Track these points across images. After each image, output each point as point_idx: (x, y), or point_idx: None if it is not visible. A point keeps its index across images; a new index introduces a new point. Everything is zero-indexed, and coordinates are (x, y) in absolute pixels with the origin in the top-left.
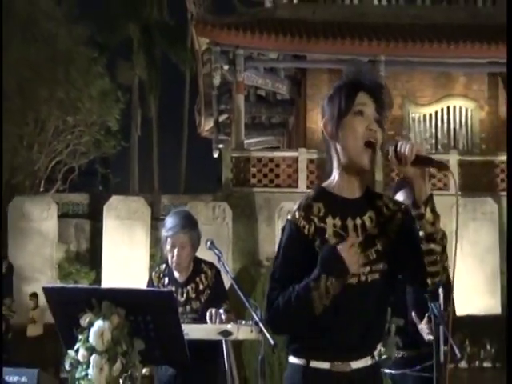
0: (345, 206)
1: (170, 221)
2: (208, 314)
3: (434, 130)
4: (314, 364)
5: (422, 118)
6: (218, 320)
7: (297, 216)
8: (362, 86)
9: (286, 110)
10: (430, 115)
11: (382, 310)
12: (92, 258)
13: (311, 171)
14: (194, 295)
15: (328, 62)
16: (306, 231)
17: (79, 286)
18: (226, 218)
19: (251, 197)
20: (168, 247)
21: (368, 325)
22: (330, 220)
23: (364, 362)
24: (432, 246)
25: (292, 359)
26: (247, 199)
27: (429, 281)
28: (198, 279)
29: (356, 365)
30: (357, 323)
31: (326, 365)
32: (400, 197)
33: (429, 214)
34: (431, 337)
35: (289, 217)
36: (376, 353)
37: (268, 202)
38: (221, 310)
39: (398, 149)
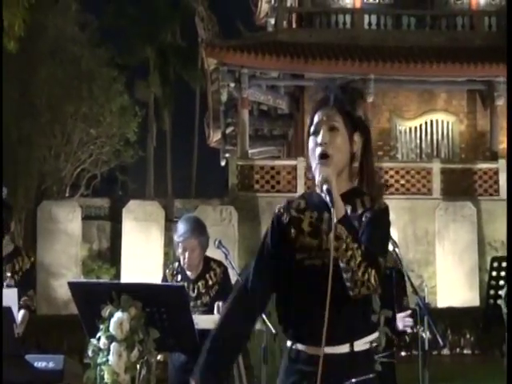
0: (324, 201)
1: (180, 227)
2: (216, 306)
3: (418, 141)
4: (297, 346)
5: (407, 130)
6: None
7: (280, 210)
8: (321, 104)
9: (286, 123)
10: (415, 128)
11: (355, 299)
12: (112, 255)
13: (308, 178)
14: (204, 290)
15: (323, 80)
16: (283, 220)
17: (101, 281)
18: (232, 220)
19: (255, 201)
20: (180, 250)
21: (340, 312)
22: (308, 213)
23: (340, 349)
24: (341, 264)
25: (287, 342)
26: (251, 203)
27: (350, 293)
28: (207, 276)
29: (330, 350)
30: (323, 308)
31: (303, 347)
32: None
33: (329, 240)
34: (407, 329)
35: (276, 210)
36: (361, 342)
37: (270, 206)
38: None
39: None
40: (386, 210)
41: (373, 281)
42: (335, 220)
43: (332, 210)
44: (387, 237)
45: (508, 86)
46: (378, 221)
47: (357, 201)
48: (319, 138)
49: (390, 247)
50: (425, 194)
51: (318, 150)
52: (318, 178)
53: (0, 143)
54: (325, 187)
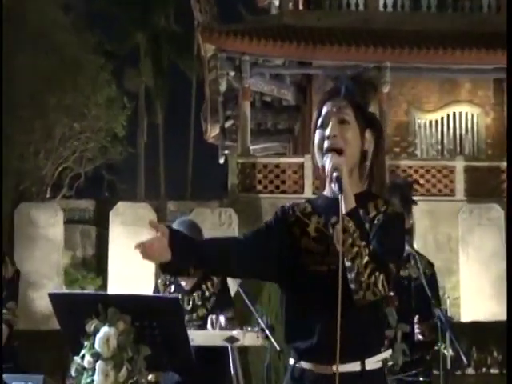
0: (332, 206)
1: None
2: (209, 320)
3: (440, 136)
4: (301, 364)
5: (427, 124)
6: (217, 327)
7: (286, 205)
8: (330, 95)
9: (292, 116)
10: (436, 121)
11: (367, 309)
12: (98, 264)
13: (317, 177)
14: (199, 302)
15: (333, 68)
16: (289, 217)
17: (85, 292)
18: (232, 224)
19: (257, 202)
20: None
21: (349, 324)
22: (314, 218)
23: (350, 367)
24: (346, 263)
25: (289, 360)
26: (253, 205)
27: (354, 297)
28: (203, 286)
29: (339, 368)
30: (330, 319)
31: (309, 365)
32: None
33: (336, 233)
34: (421, 337)
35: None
36: (373, 360)
37: (274, 208)
38: (221, 318)
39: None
40: (400, 215)
41: (380, 286)
42: (343, 209)
43: (340, 196)
44: (401, 243)
45: (508, 85)
46: (392, 225)
47: (369, 204)
48: (328, 131)
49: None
50: (447, 195)
51: (327, 143)
52: (328, 167)
53: (0, 143)
54: (335, 174)
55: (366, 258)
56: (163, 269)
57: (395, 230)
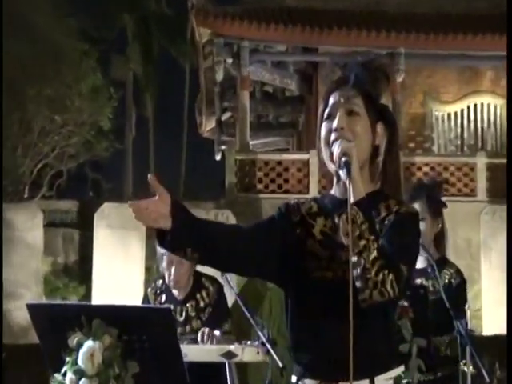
0: (340, 207)
1: None
2: (200, 333)
3: (459, 130)
4: (305, 381)
5: (445, 117)
6: (209, 341)
7: (291, 202)
8: (338, 84)
9: (296, 108)
10: (455, 113)
11: (376, 319)
12: (81, 271)
13: (324, 175)
14: (193, 313)
15: (342, 55)
16: (294, 216)
17: (67, 302)
18: None
19: (257, 204)
20: (164, 264)
21: (358, 337)
22: (320, 220)
23: None
24: (352, 258)
25: (291, 377)
26: (253, 206)
27: (359, 296)
28: (198, 296)
29: None
30: (339, 332)
31: (313, 382)
32: (421, 207)
33: (342, 224)
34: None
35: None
36: (384, 377)
37: (275, 209)
38: (216, 332)
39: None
40: (414, 215)
41: (389, 286)
42: (352, 196)
43: (348, 181)
44: (414, 244)
45: (508, 85)
46: (404, 224)
47: (381, 205)
48: (335, 123)
49: (423, 262)
50: (467, 195)
51: (334, 136)
52: (336, 152)
53: (0, 143)
54: (343, 159)
55: (375, 254)
56: (160, 239)
57: (407, 230)
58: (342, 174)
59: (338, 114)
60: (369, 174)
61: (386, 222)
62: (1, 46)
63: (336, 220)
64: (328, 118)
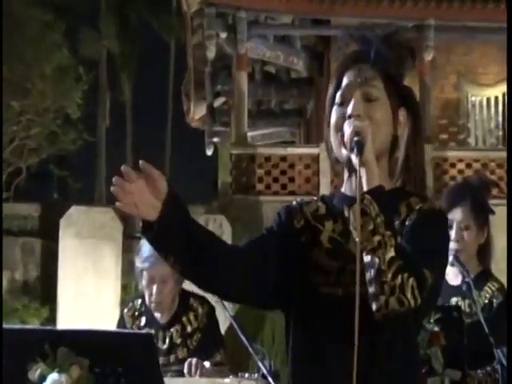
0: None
1: (145, 247)
2: (187, 364)
3: (500, 119)
4: None
5: (484, 103)
6: (198, 374)
7: (293, 204)
8: (353, 60)
9: (303, 92)
10: (496, 99)
11: (395, 344)
12: (44, 289)
13: (337, 173)
14: (179, 340)
15: (359, 28)
16: (296, 221)
17: (28, 327)
18: (223, 236)
19: (257, 207)
20: (145, 282)
21: (374, 367)
22: (329, 224)
23: None
24: (365, 258)
25: None
26: (252, 211)
27: (373, 305)
28: (184, 319)
29: None
30: (347, 357)
31: None
32: (457, 215)
33: (352, 216)
34: None
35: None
36: None
37: None
38: (206, 363)
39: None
40: (441, 213)
41: (409, 294)
42: (364, 184)
43: (358, 160)
44: (441, 247)
45: (508, 85)
46: (428, 223)
47: (401, 205)
48: (349, 108)
49: (458, 277)
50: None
51: (347, 124)
52: (347, 132)
53: (0, 143)
54: (355, 139)
55: (392, 252)
56: (144, 230)
57: (432, 229)
58: (353, 157)
59: (354, 98)
60: (387, 169)
61: (408, 223)
62: (1, 45)
63: (346, 213)
64: (341, 102)
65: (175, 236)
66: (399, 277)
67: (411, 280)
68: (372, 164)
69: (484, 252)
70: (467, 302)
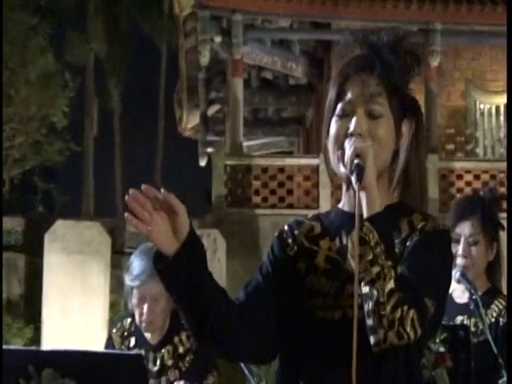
0: (350, 224)
1: (136, 264)
2: None
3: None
4: None
5: (493, 111)
6: None
7: (283, 233)
8: (357, 67)
9: (303, 99)
10: (506, 107)
11: (397, 367)
12: (28, 308)
13: (338, 186)
14: (171, 362)
15: (361, 32)
16: (289, 249)
17: (11, 347)
18: (217, 252)
19: (253, 222)
20: (135, 301)
21: None
22: (324, 242)
23: None
24: (363, 289)
25: None
26: (248, 225)
27: (371, 339)
28: (176, 340)
29: None
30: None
31: None
32: (465, 229)
33: (351, 244)
34: None
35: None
36: None
37: (277, 229)
38: None
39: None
40: (445, 233)
41: (409, 327)
42: (364, 210)
43: (357, 187)
44: (445, 271)
45: (508, 85)
46: (431, 246)
47: (402, 222)
48: (352, 125)
49: (465, 294)
50: None
51: (348, 142)
52: (348, 152)
53: (0, 143)
54: (356, 161)
55: (391, 284)
56: (156, 261)
57: (435, 253)
58: (353, 179)
59: (357, 114)
60: (387, 183)
61: (409, 243)
62: (1, 49)
63: (344, 240)
64: (342, 114)
65: (185, 282)
66: (399, 310)
67: (411, 312)
68: (373, 189)
69: (493, 269)
70: (473, 320)
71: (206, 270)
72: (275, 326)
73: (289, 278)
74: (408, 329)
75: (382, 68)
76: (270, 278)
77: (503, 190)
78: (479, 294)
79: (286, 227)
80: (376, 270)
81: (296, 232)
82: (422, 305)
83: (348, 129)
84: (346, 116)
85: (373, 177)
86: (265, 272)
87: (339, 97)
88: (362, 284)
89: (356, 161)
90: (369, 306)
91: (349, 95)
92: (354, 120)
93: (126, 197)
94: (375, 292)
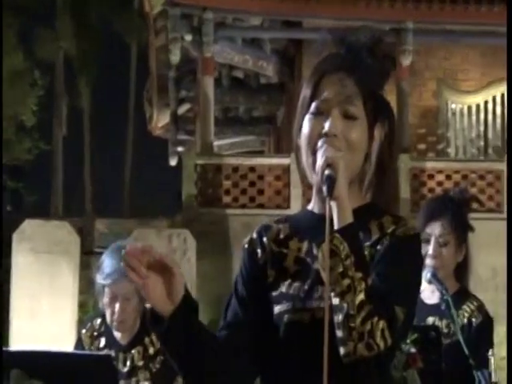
0: (320, 226)
1: (107, 262)
2: None
3: (482, 128)
4: None
5: (465, 111)
6: None
7: (251, 244)
8: (333, 66)
9: (274, 98)
10: (478, 106)
11: (367, 370)
12: None
13: (309, 185)
14: (141, 363)
15: (333, 30)
16: (258, 258)
17: None
18: (187, 252)
19: (224, 222)
20: (106, 300)
21: None
22: (293, 243)
23: None
24: (333, 300)
25: None
26: (218, 225)
27: (341, 350)
28: (147, 340)
29: None
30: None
31: None
32: (436, 229)
33: (321, 255)
34: None
35: (245, 245)
36: None
37: (248, 229)
38: None
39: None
40: (414, 238)
41: (378, 339)
42: (336, 221)
43: (327, 200)
44: (415, 278)
45: (508, 85)
46: (401, 252)
47: (372, 224)
48: (327, 126)
49: (436, 296)
50: (492, 210)
51: (321, 143)
52: (319, 162)
53: (0, 144)
54: (327, 172)
55: (362, 296)
56: (153, 323)
57: (406, 260)
58: (324, 190)
59: (332, 114)
60: (358, 185)
61: (379, 247)
62: (1, 46)
63: (315, 251)
64: (316, 112)
65: (182, 342)
66: (369, 322)
67: (381, 323)
68: (344, 199)
69: (462, 270)
70: (445, 321)
71: (202, 326)
72: (258, 349)
73: (260, 289)
74: (378, 340)
75: (360, 70)
76: (246, 298)
77: (474, 190)
78: (449, 294)
79: (254, 235)
80: (346, 282)
81: (264, 239)
82: (392, 315)
83: (322, 128)
84: (320, 114)
85: (344, 187)
86: (240, 293)
87: (314, 94)
88: (332, 295)
89: (327, 172)
90: (339, 317)
91: (325, 93)
92: (329, 120)
93: (123, 251)
94: (345, 304)
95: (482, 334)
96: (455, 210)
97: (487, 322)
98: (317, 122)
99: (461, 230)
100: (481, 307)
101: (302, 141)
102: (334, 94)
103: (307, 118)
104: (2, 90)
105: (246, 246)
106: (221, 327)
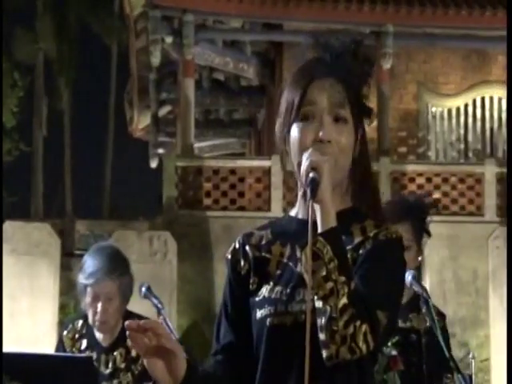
0: (304, 231)
1: (90, 262)
2: None
3: (462, 131)
4: None
5: (445, 114)
6: None
7: (233, 254)
8: (319, 70)
9: (254, 100)
10: (458, 110)
11: (349, 373)
12: None
13: (289, 188)
14: (123, 364)
15: (314, 33)
16: (241, 267)
17: None
18: (168, 254)
19: (204, 224)
20: (88, 300)
21: None
22: (276, 248)
23: None
24: (316, 303)
25: None
26: (199, 227)
27: (323, 353)
28: (129, 342)
29: None
30: None
31: None
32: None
33: (304, 259)
34: None
35: (228, 255)
36: None
37: (228, 232)
38: None
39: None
40: (397, 241)
41: (361, 342)
42: (319, 225)
43: (309, 202)
44: (397, 281)
45: (508, 84)
46: (384, 256)
47: (355, 228)
48: (321, 133)
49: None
50: (472, 214)
51: (305, 158)
52: (304, 165)
53: (0, 145)
54: (311, 175)
55: (344, 300)
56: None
57: (388, 264)
58: (307, 194)
59: (324, 120)
60: (342, 189)
61: (362, 251)
62: (1, 46)
63: (298, 254)
64: (307, 118)
65: None
66: (351, 326)
67: (364, 327)
68: (327, 203)
69: (418, 274)
70: (412, 322)
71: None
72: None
73: (244, 298)
74: (360, 344)
75: (349, 75)
76: (236, 320)
77: (455, 193)
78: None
79: (236, 244)
80: (329, 285)
81: (247, 247)
82: (374, 319)
83: (315, 134)
84: (310, 120)
85: (328, 191)
86: (230, 315)
87: (302, 100)
88: (315, 298)
89: (311, 174)
90: (321, 321)
91: (316, 99)
92: (323, 126)
93: (127, 322)
94: (328, 308)
95: (444, 339)
96: (415, 216)
97: (446, 328)
98: (308, 128)
99: (420, 235)
100: (439, 312)
101: (293, 146)
102: (325, 100)
103: (297, 124)
104: (1, 89)
105: (229, 256)
106: (215, 350)
